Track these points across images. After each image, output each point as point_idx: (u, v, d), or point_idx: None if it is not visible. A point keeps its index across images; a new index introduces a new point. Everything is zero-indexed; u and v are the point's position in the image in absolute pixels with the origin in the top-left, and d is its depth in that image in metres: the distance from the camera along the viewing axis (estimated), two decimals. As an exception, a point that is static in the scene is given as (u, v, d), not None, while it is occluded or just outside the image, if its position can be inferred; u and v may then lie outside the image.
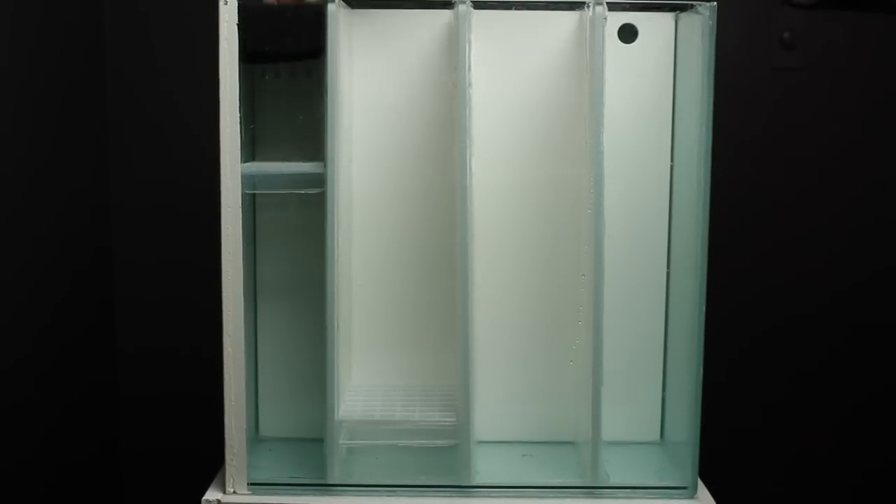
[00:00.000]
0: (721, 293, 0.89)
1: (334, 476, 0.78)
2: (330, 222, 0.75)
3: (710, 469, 0.81)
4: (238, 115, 0.74)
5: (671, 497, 0.79)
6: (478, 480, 0.79)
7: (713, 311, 0.78)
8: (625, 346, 0.85)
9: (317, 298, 0.77)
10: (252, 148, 0.79)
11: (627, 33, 0.83)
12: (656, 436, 0.88)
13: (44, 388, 1.14)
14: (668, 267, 0.85)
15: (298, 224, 0.84)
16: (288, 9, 0.76)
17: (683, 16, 0.82)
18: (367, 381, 0.86)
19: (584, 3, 0.79)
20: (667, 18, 0.83)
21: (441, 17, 0.81)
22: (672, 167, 0.84)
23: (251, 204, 0.81)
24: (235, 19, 0.74)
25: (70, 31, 1.22)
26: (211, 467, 0.84)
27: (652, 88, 0.83)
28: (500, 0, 0.80)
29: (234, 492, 0.78)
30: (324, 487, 0.78)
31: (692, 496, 0.79)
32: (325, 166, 0.75)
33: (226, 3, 0.74)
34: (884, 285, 1.32)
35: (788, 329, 1.32)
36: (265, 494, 0.78)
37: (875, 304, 1.31)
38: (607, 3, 0.76)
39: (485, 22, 0.80)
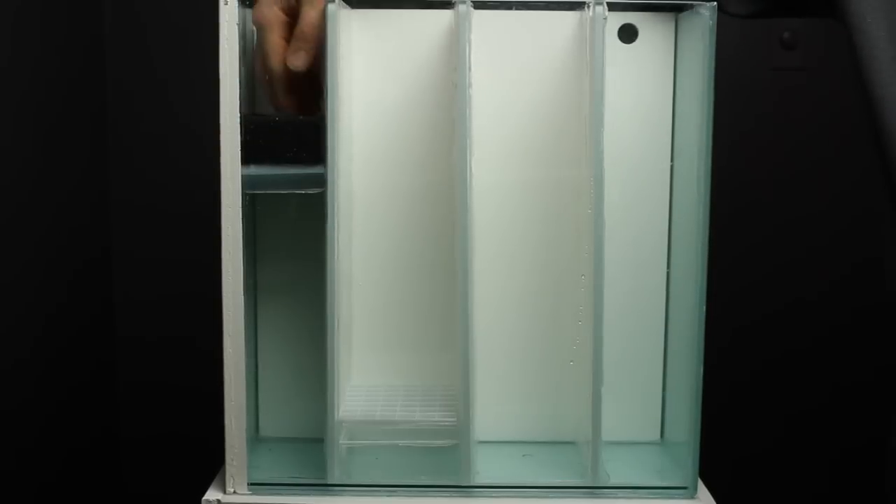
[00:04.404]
0: (721, 293, 0.89)
1: (334, 476, 0.78)
2: (330, 222, 0.75)
3: (710, 469, 0.81)
4: (238, 114, 0.74)
5: (671, 497, 0.79)
6: (478, 480, 0.79)
7: (713, 311, 0.78)
8: (625, 346, 0.85)
9: (317, 298, 0.77)
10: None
11: (627, 33, 0.83)
12: (656, 436, 0.88)
13: (44, 385, 1.15)
14: (668, 267, 0.85)
15: (298, 224, 0.84)
16: (289, 122, 0.77)
17: (684, 16, 0.82)
18: (368, 381, 0.86)
19: (584, 3, 0.79)
20: (667, 18, 0.83)
21: (441, 17, 0.81)
22: (672, 167, 0.84)
23: (251, 204, 0.81)
24: (236, 19, 0.74)
25: (70, 31, 1.22)
26: (210, 459, 0.84)
27: (652, 88, 0.83)
28: (500, 0, 0.80)
29: (235, 492, 0.78)
30: (324, 487, 0.78)
31: (692, 496, 0.79)
32: (325, 166, 0.75)
33: (226, 4, 0.74)
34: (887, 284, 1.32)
35: (789, 328, 1.33)
36: (265, 494, 0.78)
37: (877, 304, 1.31)
38: (607, 3, 0.76)
39: (485, 22, 0.80)
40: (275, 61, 0.76)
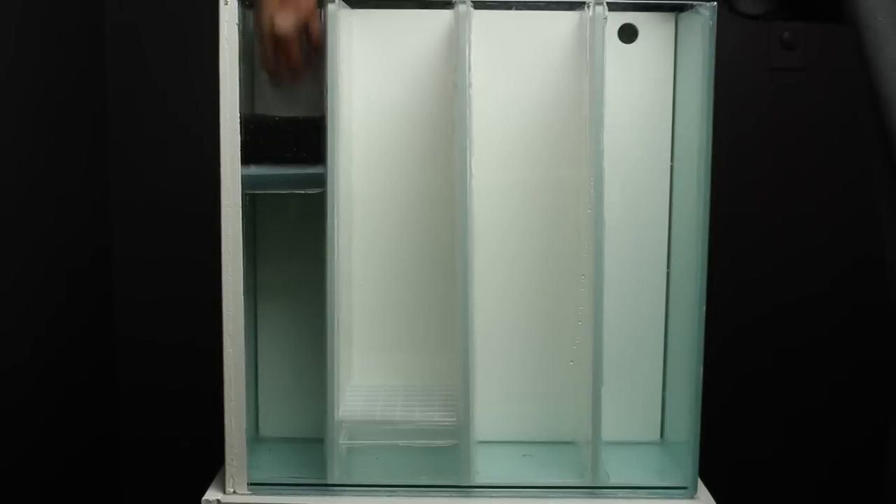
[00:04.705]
0: (721, 293, 0.89)
1: (334, 476, 0.78)
2: (330, 222, 0.75)
3: (710, 469, 0.81)
4: (238, 114, 0.74)
5: (671, 497, 0.79)
6: (478, 480, 0.79)
7: (713, 311, 0.78)
8: (625, 346, 0.85)
9: (317, 298, 0.77)
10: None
11: (627, 33, 0.83)
12: (656, 436, 0.88)
13: (43, 386, 1.15)
14: (668, 267, 0.85)
15: (298, 224, 0.84)
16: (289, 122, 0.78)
17: (683, 16, 0.82)
18: (368, 381, 0.86)
19: (584, 3, 0.79)
20: (667, 18, 0.83)
21: (441, 17, 0.81)
22: (672, 167, 0.84)
23: (251, 204, 0.81)
24: (236, 19, 0.74)
25: (70, 31, 1.22)
26: (211, 461, 0.84)
27: (652, 88, 0.83)
28: (500, 0, 0.80)
29: (235, 492, 0.78)
30: (324, 487, 0.79)
31: (692, 496, 0.79)
32: (325, 166, 0.75)
33: (226, 4, 0.74)
34: (886, 284, 1.32)
35: (789, 328, 1.33)
36: (265, 494, 0.78)
37: (877, 303, 1.31)
38: (607, 3, 0.76)
39: (485, 22, 0.80)
40: (266, 21, 0.76)
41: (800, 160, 1.31)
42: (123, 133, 1.30)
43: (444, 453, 0.78)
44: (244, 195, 0.76)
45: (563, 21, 0.81)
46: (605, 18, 0.76)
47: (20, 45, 1.08)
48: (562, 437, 0.86)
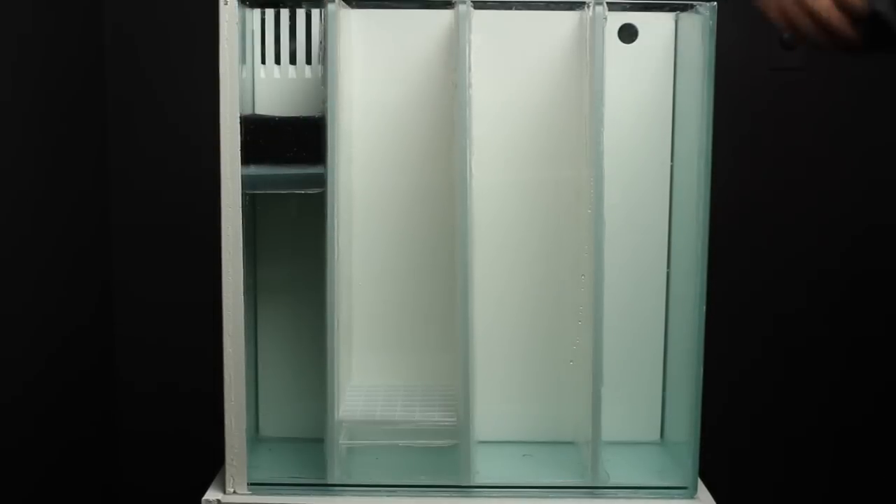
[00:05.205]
0: (721, 293, 0.89)
1: (334, 476, 0.78)
2: (330, 222, 0.75)
3: (710, 469, 0.81)
4: (238, 114, 0.74)
5: (671, 497, 0.79)
6: (478, 480, 0.79)
7: (713, 311, 0.78)
8: (625, 346, 0.85)
9: (317, 298, 0.77)
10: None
11: (627, 33, 0.83)
12: (656, 436, 0.88)
13: (42, 390, 1.15)
14: (669, 267, 0.85)
15: (298, 224, 0.84)
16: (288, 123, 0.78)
17: (683, 16, 0.82)
18: (368, 381, 0.86)
19: (584, 3, 0.79)
20: (667, 18, 0.83)
21: (441, 17, 0.81)
22: (672, 167, 0.84)
23: (251, 204, 0.81)
24: (236, 19, 0.74)
25: (70, 36, 1.22)
26: (211, 461, 0.84)
27: (652, 88, 0.83)
28: (500, 0, 0.80)
29: (235, 492, 0.78)
30: (324, 487, 0.79)
31: (692, 496, 0.79)
32: (325, 166, 0.75)
33: (226, 4, 0.74)
34: (884, 284, 1.32)
35: (789, 328, 1.33)
36: (265, 494, 0.78)
37: (875, 303, 1.31)
38: (607, 3, 0.76)
39: (485, 22, 0.80)
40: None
41: (800, 160, 1.31)
42: (123, 134, 1.30)
43: (444, 453, 0.78)
44: (244, 195, 0.76)
45: (563, 21, 0.82)
46: (605, 18, 0.76)
47: (21, 47, 1.08)
48: (562, 437, 0.86)
